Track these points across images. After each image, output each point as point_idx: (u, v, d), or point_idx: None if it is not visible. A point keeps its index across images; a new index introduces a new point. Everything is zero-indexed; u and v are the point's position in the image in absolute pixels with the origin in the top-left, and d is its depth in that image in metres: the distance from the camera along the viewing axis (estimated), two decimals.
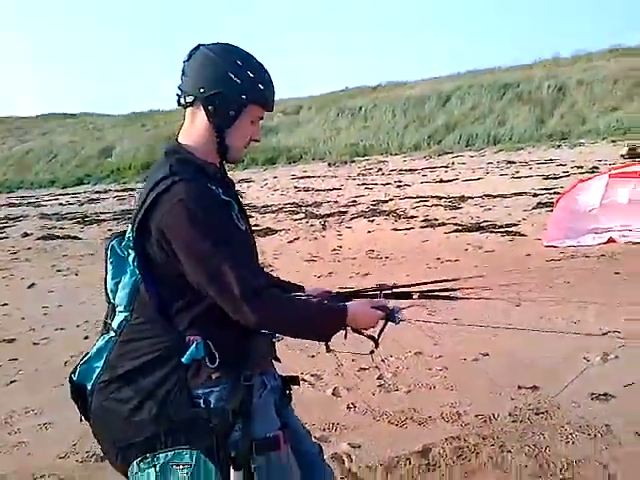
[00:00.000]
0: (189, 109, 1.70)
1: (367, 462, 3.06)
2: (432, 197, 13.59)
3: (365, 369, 4.27)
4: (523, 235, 8.80)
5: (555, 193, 11.57)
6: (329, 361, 4.19)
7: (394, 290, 2.01)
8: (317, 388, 4.08)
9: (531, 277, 6.04)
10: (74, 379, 1.75)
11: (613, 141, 19.58)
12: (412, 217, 11.70)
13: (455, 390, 3.87)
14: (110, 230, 13.91)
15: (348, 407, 3.74)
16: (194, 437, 1.63)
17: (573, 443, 3.07)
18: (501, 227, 9.44)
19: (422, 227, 10.70)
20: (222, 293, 1.55)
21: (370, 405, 3.74)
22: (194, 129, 1.70)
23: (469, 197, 12.99)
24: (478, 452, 3.07)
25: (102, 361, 1.70)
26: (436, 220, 11.05)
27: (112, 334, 1.71)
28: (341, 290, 2.09)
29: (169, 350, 1.63)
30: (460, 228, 10.02)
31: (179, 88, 1.70)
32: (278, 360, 1.87)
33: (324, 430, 3.43)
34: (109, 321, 1.73)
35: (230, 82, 1.64)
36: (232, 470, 1.66)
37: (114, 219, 15.82)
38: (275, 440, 1.73)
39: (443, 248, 8.82)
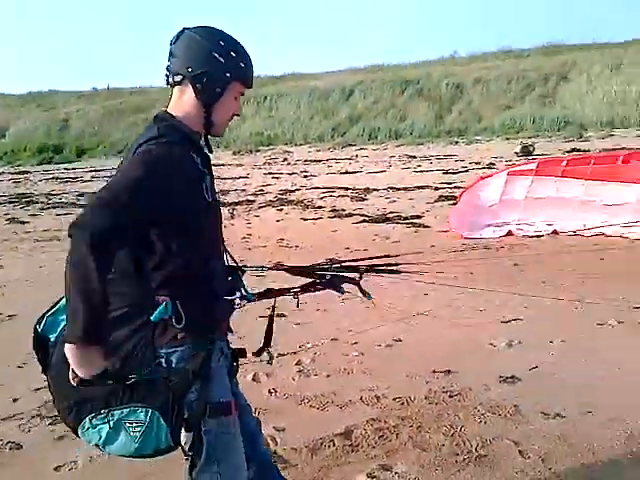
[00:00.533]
0: (177, 87, 1.81)
1: (292, 444, 3.09)
2: (338, 188, 13.83)
3: (283, 355, 4.30)
4: (427, 227, 9.12)
5: (455, 187, 12.09)
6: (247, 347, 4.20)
7: (343, 265, 2.25)
8: None
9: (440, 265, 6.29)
10: (38, 329, 1.78)
11: (507, 139, 20.67)
12: (320, 207, 11.88)
13: (372, 375, 3.97)
14: (7, 215, 13.15)
15: (269, 392, 3.76)
16: (152, 395, 1.67)
17: (485, 423, 3.24)
18: (406, 218, 9.75)
19: (330, 217, 10.87)
20: (85, 212, 1.58)
21: (291, 390, 3.79)
22: (182, 104, 1.81)
23: (374, 189, 13.33)
24: (398, 433, 3.18)
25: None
26: (343, 210, 11.26)
27: None
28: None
29: (139, 307, 1.68)
30: (367, 219, 10.26)
31: (167, 69, 1.81)
32: (232, 331, 1.95)
33: None
34: None
35: (215, 61, 1.77)
36: (183, 431, 1.72)
37: (10, 202, 14.99)
38: (227, 406, 1.82)
39: (352, 238, 8.98)
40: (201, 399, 1.75)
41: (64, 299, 1.69)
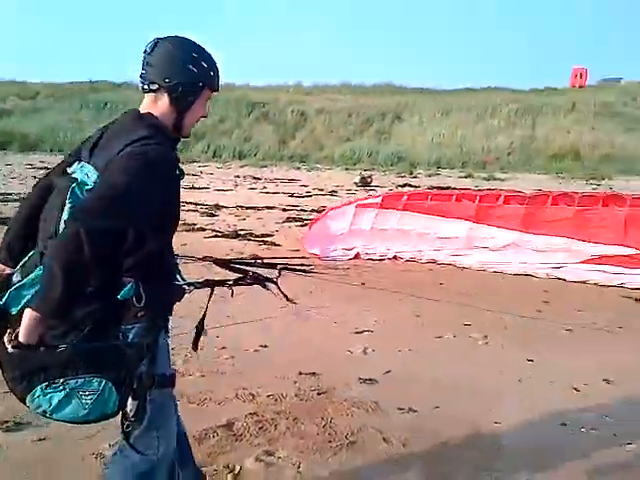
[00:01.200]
0: (152, 94, 2.02)
1: None
2: (187, 203, 13.86)
3: None
4: (278, 245, 9.50)
5: (302, 210, 12.76)
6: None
7: (265, 262, 2.64)
8: None
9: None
10: (0, 303, 1.85)
11: (346, 169, 22.04)
12: None
13: (244, 375, 4.25)
14: None
15: None
16: (107, 367, 1.84)
17: (352, 416, 3.67)
18: (257, 236, 10.08)
19: (180, 230, 10.84)
20: (79, 211, 1.76)
21: None
22: (157, 108, 2.02)
23: (223, 206, 13.58)
24: (276, 424, 3.50)
25: (34, 289, 1.80)
26: (194, 225, 11.30)
27: None
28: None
29: (108, 286, 1.87)
30: (219, 234, 10.40)
31: (142, 76, 2.02)
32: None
33: None
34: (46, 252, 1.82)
35: (189, 72, 2.00)
36: (130, 399, 1.94)
37: None
38: (171, 378, 2.12)
39: (205, 251, 9.09)
40: (150, 371, 1.98)
41: (32, 276, 1.83)
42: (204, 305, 2.36)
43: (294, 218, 11.70)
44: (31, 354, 1.76)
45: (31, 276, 1.85)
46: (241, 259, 2.59)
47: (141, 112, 2.03)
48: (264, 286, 2.56)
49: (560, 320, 5.61)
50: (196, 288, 2.29)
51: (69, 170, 1.99)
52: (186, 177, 2.12)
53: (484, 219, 8.34)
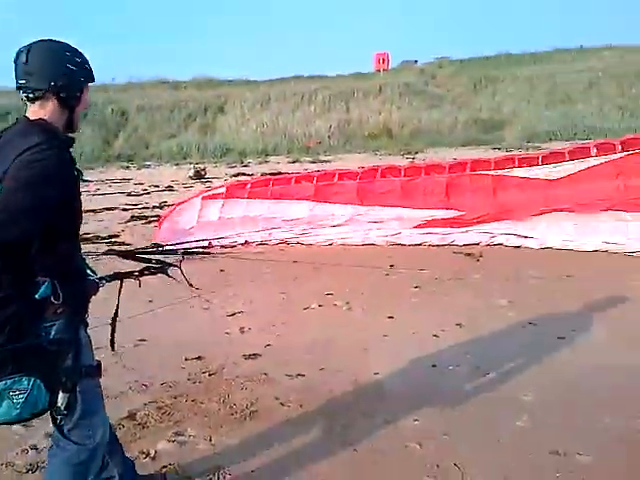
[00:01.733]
0: (38, 101, 2.06)
1: None
2: None
3: None
4: (128, 244, 9.28)
5: (144, 208, 12.54)
6: None
7: (166, 248, 2.77)
8: None
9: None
10: None
11: (177, 164, 21.77)
12: None
13: (134, 369, 4.29)
14: None
15: None
16: (33, 364, 1.91)
17: (246, 389, 3.90)
18: (104, 238, 9.75)
19: None
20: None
21: None
22: (46, 112, 2.06)
23: None
24: (177, 408, 3.64)
25: None
26: None
27: None
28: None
29: (23, 288, 1.90)
30: None
31: (24, 87, 2.05)
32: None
33: None
34: None
35: (70, 72, 2.08)
36: (61, 392, 2.00)
37: None
38: (98, 368, 2.22)
39: None
40: (76, 364, 2.08)
41: None
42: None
43: (137, 216, 11.43)
44: None
45: None
46: (144, 248, 2.69)
47: (31, 119, 2.06)
48: (167, 274, 2.70)
49: (407, 280, 6.26)
50: (107, 282, 2.39)
51: None
52: None
53: (323, 198, 8.76)
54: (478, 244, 7.67)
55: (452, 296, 5.72)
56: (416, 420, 3.37)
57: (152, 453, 3.16)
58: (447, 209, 8.04)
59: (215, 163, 21.24)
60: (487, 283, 6.09)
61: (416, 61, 35.39)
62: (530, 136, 22.08)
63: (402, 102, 26.01)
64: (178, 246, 2.93)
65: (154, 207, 12.69)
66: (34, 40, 2.08)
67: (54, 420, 2.14)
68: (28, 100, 2.08)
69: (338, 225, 8.51)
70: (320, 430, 3.37)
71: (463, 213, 7.92)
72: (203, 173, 17.46)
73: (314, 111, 25.10)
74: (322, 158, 20.59)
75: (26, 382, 1.89)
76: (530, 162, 8.12)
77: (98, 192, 15.54)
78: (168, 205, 12.56)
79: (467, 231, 7.90)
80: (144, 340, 4.96)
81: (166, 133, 26.28)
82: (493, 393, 3.69)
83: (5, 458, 3.11)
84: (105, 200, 14.00)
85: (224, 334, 5.06)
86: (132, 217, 11.49)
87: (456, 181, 8.25)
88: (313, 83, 30.16)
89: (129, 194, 14.72)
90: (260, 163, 20.83)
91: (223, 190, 9.48)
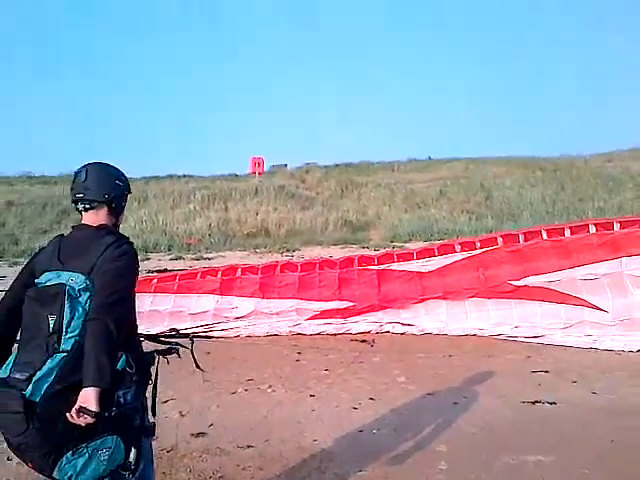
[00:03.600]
0: (92, 210, 2.63)
1: None
2: None
3: None
4: None
5: None
6: None
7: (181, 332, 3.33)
8: None
9: None
10: (26, 395, 2.18)
11: None
12: None
13: None
14: None
15: None
16: (115, 426, 2.31)
17: (206, 460, 4.48)
18: None
19: None
20: (108, 306, 2.32)
21: None
22: (99, 218, 2.63)
23: None
24: None
25: (52, 376, 2.21)
26: None
27: (64, 354, 2.26)
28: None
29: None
30: None
31: (82, 199, 2.62)
32: None
33: None
34: (56, 346, 2.26)
35: (118, 186, 2.70)
36: (133, 449, 2.41)
37: None
38: (154, 426, 2.68)
39: None
40: (143, 424, 2.55)
41: (45, 369, 2.21)
42: None
43: None
44: (58, 428, 2.18)
45: (46, 367, 2.23)
46: (162, 333, 3.29)
47: (94, 225, 2.59)
48: (178, 355, 3.05)
49: (316, 364, 7.11)
50: (158, 355, 2.90)
51: (39, 280, 2.44)
52: None
53: (227, 291, 9.44)
54: (369, 332, 8.72)
55: (359, 376, 6.62)
56: (360, 471, 4.17)
57: None
58: (340, 300, 9.04)
59: None
60: (385, 364, 7.09)
61: (286, 165, 37.41)
62: (393, 236, 24.21)
63: (277, 203, 27.51)
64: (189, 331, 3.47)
65: None
66: (87, 163, 2.67)
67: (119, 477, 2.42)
68: (84, 210, 2.62)
69: (242, 317, 9.20)
70: None
71: (354, 304, 8.97)
72: None
73: (193, 209, 25.79)
74: (205, 255, 21.15)
75: (110, 441, 2.29)
76: (406, 257, 9.42)
77: None
78: None
79: (358, 321, 8.94)
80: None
81: (38, 229, 25.59)
82: (414, 446, 4.59)
83: None
84: None
85: (165, 418, 5.54)
86: None
87: (345, 275, 9.29)
88: (189, 182, 31.06)
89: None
90: (142, 260, 20.86)
91: None
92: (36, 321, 2.34)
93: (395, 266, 9.32)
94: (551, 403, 5.46)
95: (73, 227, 2.67)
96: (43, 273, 2.46)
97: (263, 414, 5.46)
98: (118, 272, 2.42)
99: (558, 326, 7.96)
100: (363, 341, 8.34)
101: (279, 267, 9.81)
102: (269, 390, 6.28)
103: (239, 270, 9.90)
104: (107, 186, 2.63)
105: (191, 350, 3.16)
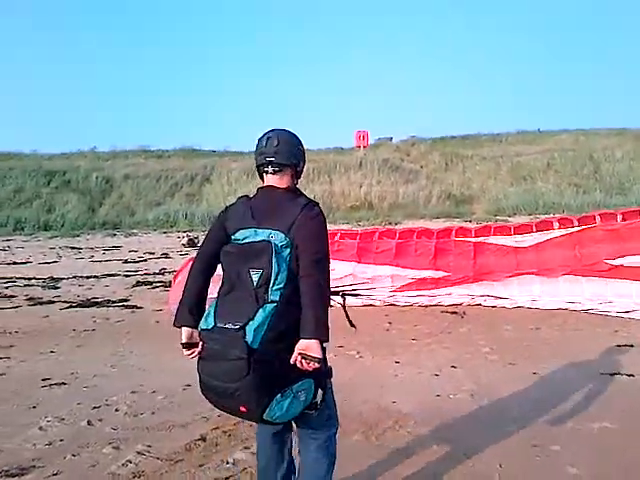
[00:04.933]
0: (278, 173, 2.72)
1: None
2: (18, 278, 13.50)
3: None
4: (140, 307, 9.90)
5: (146, 274, 13.40)
6: None
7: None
8: None
9: None
10: (248, 342, 2.32)
11: (164, 232, 22.64)
12: (12, 296, 11.44)
13: (188, 407, 5.06)
14: None
15: None
16: (311, 370, 2.43)
17: None
18: (115, 302, 10.32)
19: (30, 305, 10.56)
20: (318, 264, 2.50)
21: None
22: (284, 181, 2.73)
23: (60, 278, 13.48)
24: (241, 431, 4.52)
25: (266, 325, 2.35)
26: (40, 298, 11.06)
27: (273, 304, 2.38)
28: None
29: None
30: (73, 304, 10.33)
31: (271, 162, 2.70)
32: None
33: None
34: (266, 297, 2.39)
35: (301, 153, 2.81)
36: (319, 390, 2.57)
37: None
38: (331, 370, 2.71)
39: (71, 321, 9.15)
40: (327, 367, 2.63)
41: (259, 319, 2.35)
42: None
43: (142, 282, 12.20)
44: (273, 371, 2.36)
45: (260, 317, 2.36)
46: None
47: (281, 187, 2.70)
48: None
49: (405, 334, 7.33)
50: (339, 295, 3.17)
51: (236, 237, 2.59)
52: None
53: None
54: (461, 304, 8.81)
55: (444, 345, 6.79)
56: (433, 431, 4.39)
57: (231, 461, 3.96)
58: (435, 270, 9.12)
59: (204, 231, 22.24)
60: (472, 335, 7.21)
61: (391, 138, 37.20)
62: (497, 210, 23.75)
63: (381, 176, 27.67)
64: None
65: (155, 273, 13.54)
66: (275, 128, 2.80)
67: (302, 417, 2.58)
68: (273, 172, 2.71)
69: (336, 279, 9.43)
70: (360, 436, 4.36)
71: (449, 274, 9.06)
72: (196, 241, 18.44)
73: (299, 182, 26.35)
74: None
75: (307, 384, 2.46)
76: (503, 231, 9.38)
77: (93, 259, 16.33)
78: (168, 272, 13.45)
79: (451, 293, 9.04)
80: (189, 385, 5.78)
81: (151, 201, 27.23)
82: (487, 411, 4.75)
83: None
84: (102, 267, 14.78)
85: None
86: (137, 282, 12.28)
87: (442, 245, 9.35)
88: None
89: (125, 261, 15.57)
90: None
91: None
92: (237, 274, 2.46)
93: (492, 239, 9.28)
94: (629, 375, 5.44)
95: (259, 189, 2.77)
96: (238, 231, 2.59)
97: (348, 377, 5.74)
98: (318, 232, 2.57)
99: None
100: (454, 313, 8.46)
101: (377, 234, 9.96)
102: (357, 356, 6.57)
103: (338, 234, 10.01)
104: (294, 151, 2.76)
105: (343, 306, 3.26)
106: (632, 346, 6.46)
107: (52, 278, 13.50)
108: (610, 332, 7.12)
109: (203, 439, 4.39)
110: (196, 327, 2.57)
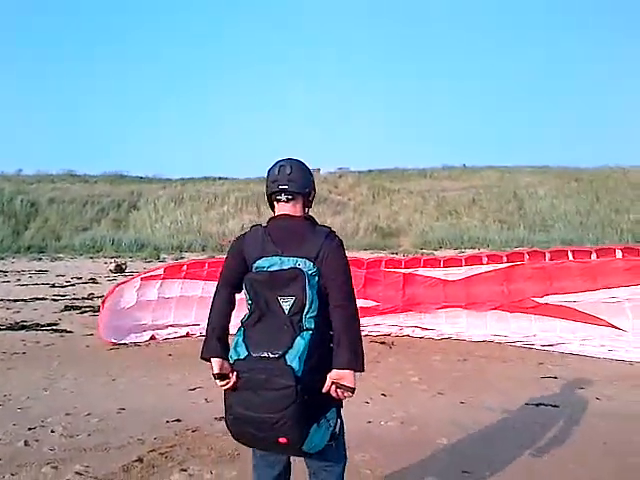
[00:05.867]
0: (291, 201, 2.75)
1: None
2: None
3: None
4: (70, 332, 9.77)
5: (73, 298, 13.11)
6: None
7: None
8: None
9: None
10: (295, 370, 2.34)
11: (91, 257, 22.16)
12: None
13: (124, 430, 5.14)
14: None
15: None
16: (335, 398, 2.53)
17: (227, 440, 4.89)
18: (44, 326, 10.15)
19: None
20: (349, 295, 2.57)
21: None
22: (297, 209, 2.76)
23: None
24: (177, 453, 4.60)
25: (307, 352, 2.38)
26: None
27: (310, 332, 2.42)
28: None
29: (331, 338, 2.54)
30: (2, 327, 10.17)
31: (285, 190, 2.73)
32: None
33: None
34: (302, 324, 2.43)
35: (312, 181, 2.85)
36: (338, 420, 2.65)
37: None
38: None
39: (0, 344, 8.84)
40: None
41: (300, 348, 2.38)
42: None
43: (70, 306, 12.04)
44: (315, 400, 2.40)
45: (299, 346, 2.39)
46: None
47: (296, 215, 2.73)
48: None
49: None
50: None
51: (259, 265, 2.57)
52: None
53: None
54: (389, 334, 9.09)
55: (374, 374, 6.98)
56: (363, 455, 4.55)
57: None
58: (365, 299, 9.27)
59: (131, 257, 21.93)
60: (401, 365, 7.47)
61: (319, 169, 37.72)
62: (423, 243, 24.51)
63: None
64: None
65: (83, 298, 13.34)
66: (287, 158, 2.83)
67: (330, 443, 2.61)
68: (286, 201, 2.73)
69: None
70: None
71: (378, 304, 9.31)
72: (124, 267, 18.17)
73: (227, 211, 26.53)
74: None
75: (334, 412, 2.56)
76: (433, 264, 9.71)
77: (20, 282, 15.84)
78: (96, 297, 13.23)
79: (379, 324, 9.30)
80: (123, 409, 5.82)
81: (78, 226, 26.64)
82: (416, 438, 4.95)
83: None
84: (29, 291, 14.41)
85: (192, 403, 6.02)
86: (66, 307, 12.06)
87: (372, 275, 9.55)
88: (224, 184, 31.81)
89: (53, 285, 15.20)
90: (177, 259, 21.72)
91: (161, 271, 10.05)
92: (266, 302, 2.47)
93: (421, 271, 9.58)
94: (554, 406, 5.76)
95: (272, 218, 2.77)
96: (259, 259, 2.58)
97: None
98: (343, 261, 2.61)
99: (575, 339, 8.23)
100: (382, 343, 8.71)
101: None
102: None
103: None
104: (307, 180, 2.78)
105: None
106: (556, 378, 6.80)
107: None
108: (534, 364, 7.49)
109: (140, 460, 4.45)
110: (226, 357, 2.52)
